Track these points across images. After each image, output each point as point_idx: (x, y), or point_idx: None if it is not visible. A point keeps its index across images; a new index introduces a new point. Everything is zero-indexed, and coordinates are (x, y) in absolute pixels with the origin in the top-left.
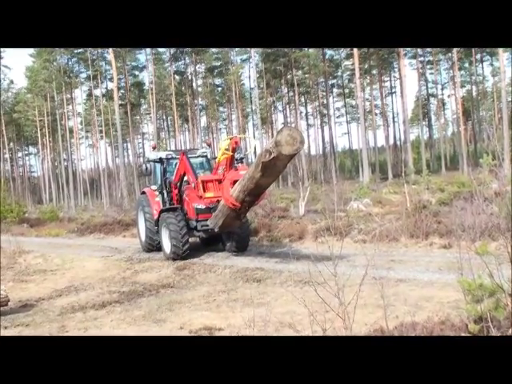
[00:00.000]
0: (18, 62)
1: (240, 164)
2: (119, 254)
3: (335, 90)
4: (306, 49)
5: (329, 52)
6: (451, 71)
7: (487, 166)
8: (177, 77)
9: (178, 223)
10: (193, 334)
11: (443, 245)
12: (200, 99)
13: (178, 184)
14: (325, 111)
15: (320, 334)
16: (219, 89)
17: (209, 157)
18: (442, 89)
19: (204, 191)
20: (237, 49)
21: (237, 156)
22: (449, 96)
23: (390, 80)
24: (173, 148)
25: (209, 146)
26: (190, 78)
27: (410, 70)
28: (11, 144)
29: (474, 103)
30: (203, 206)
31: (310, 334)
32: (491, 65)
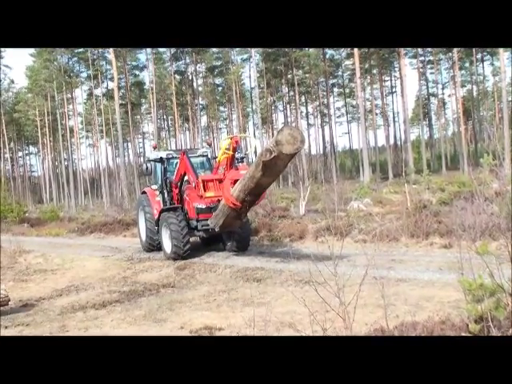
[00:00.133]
0: (19, 61)
1: (240, 163)
2: (119, 254)
3: (336, 90)
4: (307, 48)
5: (329, 52)
6: (452, 71)
7: (488, 165)
8: (177, 76)
9: (179, 223)
10: (193, 334)
11: (444, 244)
12: (200, 99)
13: (179, 183)
14: (325, 111)
15: (320, 333)
16: (220, 88)
17: (209, 156)
18: (443, 88)
19: (204, 191)
20: (237, 48)
21: (237, 155)
22: (449, 96)
23: (391, 80)
24: (173, 147)
25: (209, 145)
26: (190, 77)
27: (410, 70)
28: (12, 144)
29: (474, 103)
30: (204, 206)
31: (311, 334)
32: (492, 64)
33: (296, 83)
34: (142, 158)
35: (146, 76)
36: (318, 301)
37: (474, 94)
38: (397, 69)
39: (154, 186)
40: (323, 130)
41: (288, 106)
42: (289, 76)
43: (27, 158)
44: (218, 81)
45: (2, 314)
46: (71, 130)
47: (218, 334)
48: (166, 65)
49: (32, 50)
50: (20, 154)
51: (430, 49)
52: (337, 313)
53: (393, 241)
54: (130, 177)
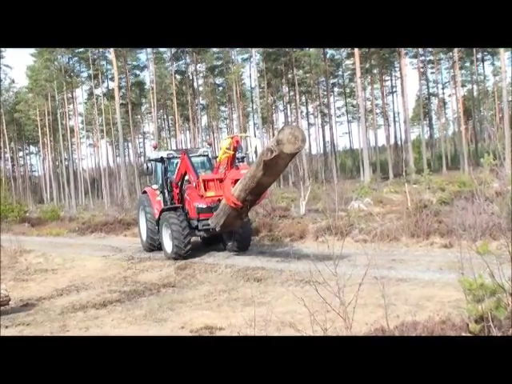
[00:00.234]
0: (19, 61)
1: (241, 163)
2: (120, 254)
3: (336, 90)
4: (307, 48)
5: (330, 51)
6: (452, 70)
7: (488, 165)
8: (178, 76)
9: (181, 223)
10: (194, 334)
11: (444, 244)
12: (201, 98)
13: (179, 183)
14: (326, 110)
15: (321, 333)
16: (220, 88)
17: (210, 156)
18: (443, 88)
19: (205, 190)
20: (238, 48)
21: (238, 155)
22: (450, 95)
23: (391, 79)
24: (174, 147)
25: (210, 145)
26: (190, 77)
27: (410, 70)
28: (12, 143)
29: (474, 103)
30: (204, 206)
31: (311, 334)
32: (492, 64)
33: (296, 83)
34: (142, 158)
35: (147, 76)
36: (318, 301)
37: (475, 93)
38: (397, 68)
39: (155, 186)
40: (324, 130)
41: (288, 105)
42: (289, 76)
43: (28, 157)
44: (218, 80)
45: (2, 314)
46: (72, 130)
47: (218, 333)
48: (166, 64)
49: (33, 50)
50: (20, 153)
51: (430, 48)
52: (337, 313)
53: (393, 240)
54: (130, 176)
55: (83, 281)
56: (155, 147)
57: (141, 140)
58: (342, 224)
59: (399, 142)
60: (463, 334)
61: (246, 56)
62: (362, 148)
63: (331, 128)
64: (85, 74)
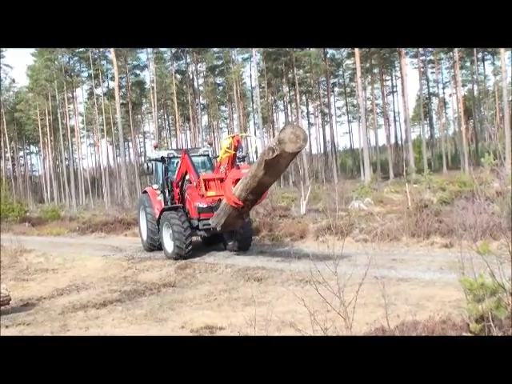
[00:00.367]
0: (20, 61)
1: (242, 162)
2: (120, 253)
3: (336, 89)
4: (308, 48)
5: (330, 51)
6: (452, 70)
7: (488, 165)
8: (178, 76)
9: (182, 224)
10: (194, 333)
11: (444, 244)
12: (201, 98)
13: (180, 183)
14: (326, 110)
15: (321, 333)
16: (220, 88)
17: (210, 156)
18: (444, 88)
19: (206, 190)
20: (238, 48)
21: (238, 154)
22: (450, 95)
23: (392, 79)
24: (174, 147)
25: (210, 144)
26: (191, 77)
27: (411, 69)
28: (12, 143)
29: (475, 102)
30: (205, 205)
31: (311, 334)
32: (493, 64)
33: (297, 82)
34: (142, 158)
35: (147, 75)
36: (318, 300)
37: (475, 93)
38: (398, 68)
39: (155, 186)
40: (324, 130)
41: (289, 105)
42: (289, 75)
43: (28, 157)
44: (218, 80)
45: (2, 314)
46: (72, 130)
47: (218, 333)
48: (166, 64)
49: (33, 50)
50: (21, 153)
51: (430, 48)
52: (337, 312)
53: (394, 240)
54: (130, 176)
55: (84, 280)
56: (156, 147)
57: (141, 140)
58: (343, 224)
59: (400, 142)
60: (464, 334)
61: (246, 56)
62: (362, 148)
63: (331, 128)
64: (85, 74)
